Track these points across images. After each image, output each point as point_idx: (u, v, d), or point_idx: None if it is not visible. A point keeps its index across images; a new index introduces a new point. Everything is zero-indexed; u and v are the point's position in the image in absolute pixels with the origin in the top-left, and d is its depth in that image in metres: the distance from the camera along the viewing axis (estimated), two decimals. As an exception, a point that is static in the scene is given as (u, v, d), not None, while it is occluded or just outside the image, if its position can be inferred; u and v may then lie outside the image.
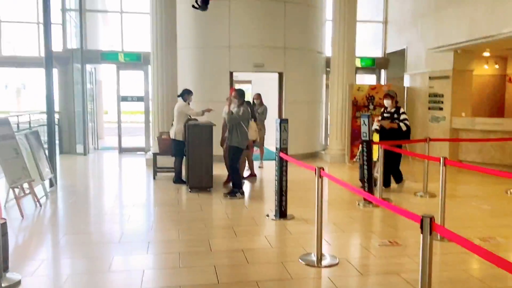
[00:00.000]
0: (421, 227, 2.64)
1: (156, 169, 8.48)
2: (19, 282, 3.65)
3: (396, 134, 7.09)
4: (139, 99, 12.39)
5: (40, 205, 6.25)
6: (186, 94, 7.83)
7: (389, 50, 13.22)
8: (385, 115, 7.30)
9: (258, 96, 9.53)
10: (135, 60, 12.12)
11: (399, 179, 7.48)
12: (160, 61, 9.77)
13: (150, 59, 10.06)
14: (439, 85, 10.56)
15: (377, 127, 7.19)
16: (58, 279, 3.79)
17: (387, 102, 7.27)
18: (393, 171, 7.41)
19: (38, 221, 5.69)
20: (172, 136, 7.84)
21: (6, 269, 3.80)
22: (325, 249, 4.38)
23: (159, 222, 5.57)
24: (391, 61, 13.39)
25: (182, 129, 7.65)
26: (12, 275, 3.76)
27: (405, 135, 7.15)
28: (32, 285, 3.64)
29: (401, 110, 7.16)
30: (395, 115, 7.16)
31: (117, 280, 3.76)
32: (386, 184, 7.28)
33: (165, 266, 4.10)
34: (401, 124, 7.07)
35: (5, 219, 3.87)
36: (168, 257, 4.31)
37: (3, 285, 3.57)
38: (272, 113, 12.60)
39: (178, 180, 7.99)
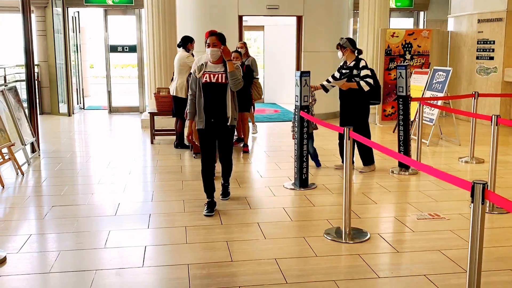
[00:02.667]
0: (472, 195, 2.65)
1: (154, 132, 8.53)
2: (4, 259, 3.76)
3: (356, 97, 6.29)
4: (131, 49, 12.34)
5: (22, 173, 6.36)
6: (188, 42, 7.76)
7: (429, -12, 12.88)
8: (343, 71, 6.44)
9: (243, 45, 8.78)
10: (126, 2, 11.98)
11: (369, 159, 6.61)
12: (156, 3, 9.64)
13: (144, 1, 9.93)
14: (489, 29, 10.32)
15: (312, 97, 6.35)
16: (47, 256, 3.89)
17: (339, 54, 6.42)
18: (362, 148, 6.55)
19: (21, 191, 5.80)
20: (172, 92, 7.83)
21: (-12, 244, 3.91)
22: (354, 223, 4.42)
23: (160, 192, 5.64)
24: (433, 1, 13.07)
25: (185, 84, 7.63)
26: (-5, 251, 3.87)
27: (370, 96, 6.33)
28: (19, 262, 3.74)
29: (361, 64, 6.25)
30: (354, 71, 6.28)
31: (115, 258, 3.85)
32: (367, 160, 6.60)
33: (170, 241, 4.18)
34: (362, 82, 6.18)
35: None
36: (173, 232, 4.39)
37: (-14, 262, 3.68)
38: (289, 65, 12.52)
39: (180, 144, 8.04)
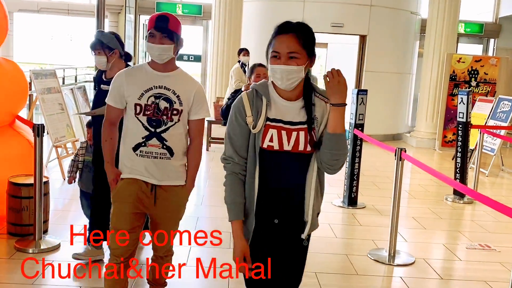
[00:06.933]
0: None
1: (210, 139, 8.72)
2: (58, 246, 3.99)
3: None
4: (196, 58, 12.71)
5: (83, 168, 6.68)
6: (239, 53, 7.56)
7: (502, 14, 12.53)
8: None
9: (247, 53, 7.59)
10: (195, 13, 12.39)
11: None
12: (223, 15, 9.93)
13: (212, 12, 10.24)
14: None
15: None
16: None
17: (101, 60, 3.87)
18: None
19: (80, 185, 6.09)
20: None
21: (45, 231, 4.16)
22: (399, 246, 4.37)
23: (210, 198, 5.78)
24: (504, 28, 12.71)
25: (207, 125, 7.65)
26: (51, 238, 4.11)
27: None
28: (71, 250, 3.95)
29: None
30: None
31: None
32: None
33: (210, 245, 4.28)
34: None
35: (48, 177, 4.21)
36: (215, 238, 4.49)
37: (42, 247, 3.92)
38: (350, 84, 12.48)
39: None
